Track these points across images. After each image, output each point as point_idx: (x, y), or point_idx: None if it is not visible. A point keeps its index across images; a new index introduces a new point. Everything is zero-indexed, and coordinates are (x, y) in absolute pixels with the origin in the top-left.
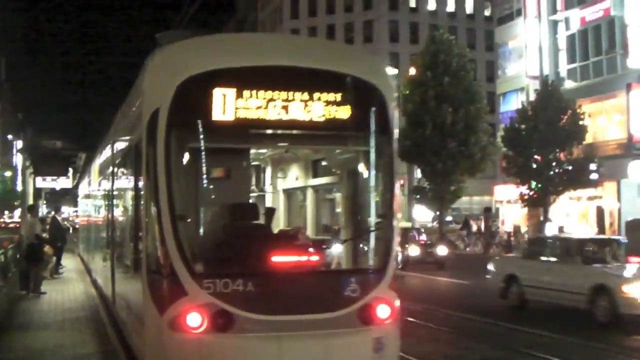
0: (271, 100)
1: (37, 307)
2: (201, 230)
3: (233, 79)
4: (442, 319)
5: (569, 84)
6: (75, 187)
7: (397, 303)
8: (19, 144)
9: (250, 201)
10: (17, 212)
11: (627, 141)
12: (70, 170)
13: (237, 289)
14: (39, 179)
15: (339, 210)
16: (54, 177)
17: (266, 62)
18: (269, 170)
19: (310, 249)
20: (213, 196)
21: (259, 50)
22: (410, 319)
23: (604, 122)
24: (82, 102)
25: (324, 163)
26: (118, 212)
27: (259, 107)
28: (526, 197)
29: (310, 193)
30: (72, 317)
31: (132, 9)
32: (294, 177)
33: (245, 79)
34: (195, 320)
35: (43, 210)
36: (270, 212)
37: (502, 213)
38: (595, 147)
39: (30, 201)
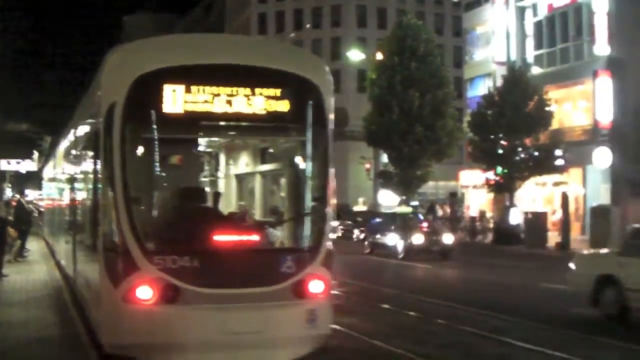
0: (216, 95)
1: (1, 289)
2: (152, 212)
3: (181, 76)
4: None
5: (535, 70)
6: (40, 170)
7: (330, 279)
8: None
9: (198, 186)
10: None
11: (592, 127)
12: (36, 153)
13: (184, 265)
14: (3, 162)
15: (283, 194)
16: (19, 160)
17: (212, 61)
18: (222, 157)
19: (251, 230)
20: (164, 181)
21: (205, 50)
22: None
23: (570, 108)
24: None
25: (270, 151)
26: (79, 196)
27: (205, 102)
28: (492, 182)
29: (258, 178)
30: (35, 296)
31: None
32: (245, 163)
33: (193, 76)
34: (146, 293)
35: (8, 193)
36: (217, 196)
37: (468, 198)
38: (561, 133)
39: None
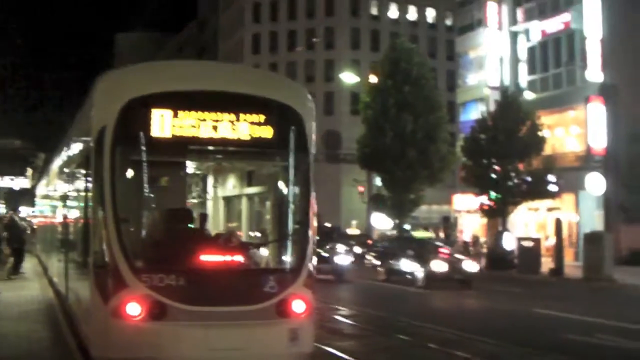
0: (202, 120)
1: None
2: (141, 232)
3: (169, 102)
4: None
5: (528, 95)
6: (34, 187)
7: (312, 299)
8: None
9: (185, 207)
10: None
11: (585, 153)
12: (30, 170)
13: (170, 283)
14: None
15: (268, 216)
16: (12, 177)
17: (198, 87)
18: (209, 179)
19: (236, 250)
20: (152, 202)
21: (192, 77)
22: None
23: (562, 134)
24: (41, 101)
25: (256, 174)
26: (71, 215)
27: (191, 126)
28: (485, 207)
29: (245, 200)
30: (28, 311)
31: (91, 7)
32: (231, 185)
33: (180, 101)
34: (134, 309)
35: (1, 209)
36: (203, 217)
37: (461, 222)
38: (554, 159)
39: None
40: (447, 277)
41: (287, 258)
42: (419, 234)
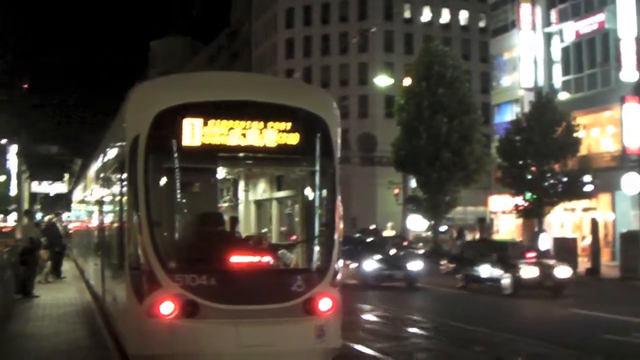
0: (232, 128)
1: (32, 307)
2: (174, 235)
3: (199, 111)
4: None
5: (563, 96)
6: (70, 192)
7: (338, 297)
8: (14, 149)
9: (216, 211)
10: (11, 217)
11: (620, 153)
12: (66, 175)
13: (202, 283)
14: (34, 184)
15: (296, 219)
16: (50, 182)
17: (227, 97)
18: (239, 184)
19: (265, 251)
20: (184, 206)
21: (222, 87)
22: None
23: (598, 134)
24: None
25: (284, 179)
26: (106, 219)
27: (221, 135)
28: (521, 207)
29: (274, 204)
30: (66, 312)
31: (127, 16)
32: (262, 190)
33: (210, 111)
34: (168, 308)
35: (38, 215)
36: (234, 220)
37: (497, 223)
38: (589, 159)
39: (26, 205)
40: (537, 284)
41: (314, 258)
42: (501, 237)
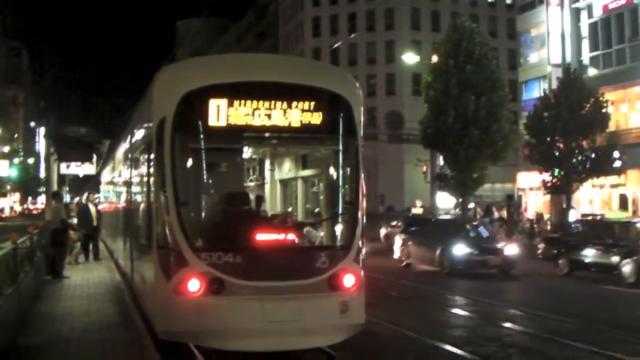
0: (256, 109)
1: (63, 288)
2: (200, 214)
3: (225, 92)
4: None
5: (591, 72)
6: (98, 174)
7: (361, 273)
8: (42, 131)
9: (241, 190)
10: (40, 199)
11: None
12: (95, 157)
13: (228, 261)
14: (62, 166)
15: (321, 197)
16: (78, 164)
17: (252, 78)
18: (264, 164)
19: (289, 229)
20: (211, 186)
21: (247, 68)
22: None
23: (626, 109)
24: (105, 89)
25: (309, 158)
26: (134, 200)
27: (246, 115)
28: (549, 184)
29: (300, 183)
30: (96, 292)
31: None
32: (287, 169)
33: (235, 92)
34: (195, 285)
35: (67, 197)
36: (259, 199)
37: (526, 200)
38: (618, 135)
39: (55, 187)
40: None
41: (338, 236)
42: (614, 215)
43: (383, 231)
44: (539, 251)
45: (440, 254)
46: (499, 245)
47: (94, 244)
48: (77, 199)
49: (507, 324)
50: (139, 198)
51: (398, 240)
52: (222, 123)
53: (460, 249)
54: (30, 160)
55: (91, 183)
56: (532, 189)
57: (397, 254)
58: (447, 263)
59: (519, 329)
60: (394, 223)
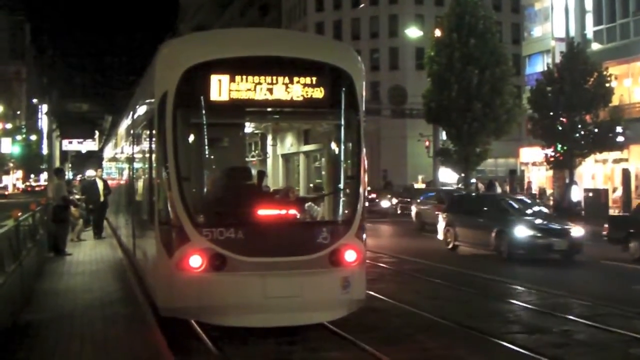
0: (258, 84)
1: (65, 264)
2: (202, 190)
3: (226, 67)
4: None
5: (595, 46)
6: (100, 150)
7: (363, 249)
8: (44, 108)
9: (243, 165)
10: (43, 176)
11: None
12: (97, 132)
13: (230, 237)
14: (64, 142)
15: (323, 173)
16: (80, 140)
17: (253, 53)
18: (266, 139)
19: (291, 205)
20: (212, 162)
21: (248, 43)
22: None
23: (630, 84)
24: (107, 64)
25: (311, 132)
26: (136, 176)
27: (248, 90)
28: (552, 159)
29: (302, 158)
30: (98, 268)
31: None
32: (289, 144)
33: (236, 67)
34: (196, 261)
35: (69, 174)
36: (261, 175)
37: (528, 175)
38: (621, 110)
39: (57, 164)
40: None
41: (340, 211)
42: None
43: (414, 209)
44: (604, 232)
45: (497, 236)
46: (565, 227)
47: (98, 220)
48: (79, 176)
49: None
50: (140, 174)
51: (441, 221)
52: (224, 98)
53: (521, 231)
54: (33, 137)
55: (94, 159)
56: (535, 164)
57: (440, 235)
58: (505, 247)
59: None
60: (420, 199)
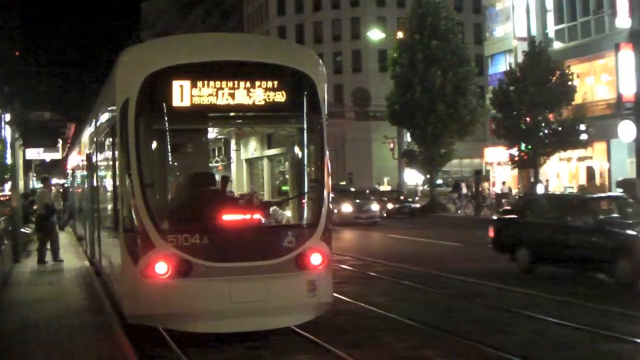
0: (220, 89)
1: (32, 273)
2: (166, 196)
3: (187, 73)
4: None
5: (557, 45)
6: (64, 159)
7: (329, 252)
8: (7, 117)
9: (207, 171)
10: (7, 186)
11: (616, 101)
12: (60, 141)
13: (195, 242)
14: (28, 151)
15: (287, 177)
16: (44, 149)
17: (214, 58)
18: (229, 144)
19: (255, 209)
20: (176, 168)
21: (209, 48)
22: None
23: (592, 82)
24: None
25: (274, 137)
26: (100, 184)
27: (210, 95)
28: (516, 158)
29: (266, 162)
30: (63, 277)
31: None
32: (253, 148)
33: (198, 72)
34: (162, 268)
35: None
36: (225, 180)
37: (493, 175)
38: (584, 108)
39: (21, 174)
40: None
41: (305, 214)
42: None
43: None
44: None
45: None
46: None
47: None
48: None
49: None
50: (104, 182)
51: (504, 231)
52: (186, 103)
53: None
54: None
55: (59, 168)
56: (499, 164)
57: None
58: (628, 271)
59: None
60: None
